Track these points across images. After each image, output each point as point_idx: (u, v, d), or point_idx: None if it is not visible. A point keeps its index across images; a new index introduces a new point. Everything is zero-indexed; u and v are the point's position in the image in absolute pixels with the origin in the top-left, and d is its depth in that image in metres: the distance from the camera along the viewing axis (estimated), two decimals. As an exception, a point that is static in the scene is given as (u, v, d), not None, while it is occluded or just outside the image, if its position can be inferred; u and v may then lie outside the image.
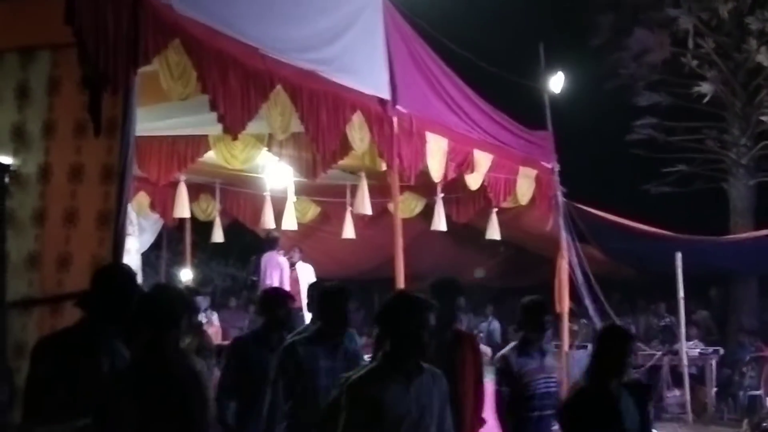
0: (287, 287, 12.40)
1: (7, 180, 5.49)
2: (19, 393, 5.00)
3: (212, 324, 15.63)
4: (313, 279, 12.67)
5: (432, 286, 6.53)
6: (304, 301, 12.42)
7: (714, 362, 15.20)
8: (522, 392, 6.95)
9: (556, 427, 6.31)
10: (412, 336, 4.35)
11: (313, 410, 5.61)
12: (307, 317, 12.57)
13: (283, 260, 12.34)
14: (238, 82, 6.86)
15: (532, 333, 7.09)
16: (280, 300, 7.22)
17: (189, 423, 3.99)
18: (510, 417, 6.97)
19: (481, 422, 6.89)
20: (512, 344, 7.27)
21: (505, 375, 6.99)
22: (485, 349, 16.86)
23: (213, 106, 6.70)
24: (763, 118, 17.77)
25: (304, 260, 12.88)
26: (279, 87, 7.48)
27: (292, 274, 12.68)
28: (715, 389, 15.11)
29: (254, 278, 12.07)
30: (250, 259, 12.35)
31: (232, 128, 6.97)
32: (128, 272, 4.84)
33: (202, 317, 11.78)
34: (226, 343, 15.60)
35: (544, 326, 7.19)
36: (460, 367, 6.57)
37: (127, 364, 4.20)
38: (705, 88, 17.89)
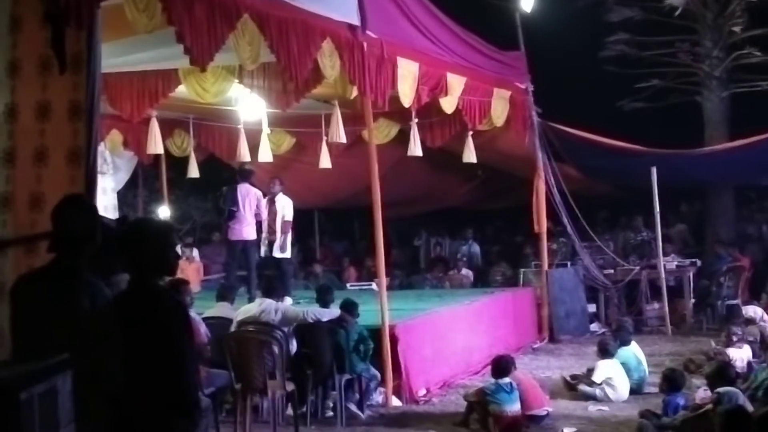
0: (264, 218, 12.35)
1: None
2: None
3: (193, 260, 15.63)
4: (292, 211, 12.59)
5: None
6: (283, 233, 12.61)
7: (691, 274, 15.38)
8: None
9: None
10: None
11: None
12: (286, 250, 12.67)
13: (259, 192, 12.33)
14: (203, 12, 6.78)
15: None
16: None
17: (173, 354, 3.99)
18: None
19: None
20: None
21: None
22: (467, 273, 17.05)
23: (179, 38, 6.64)
24: (735, 29, 17.68)
25: (284, 193, 12.76)
26: (246, 16, 7.41)
27: (272, 207, 12.58)
28: (693, 301, 15.31)
29: (233, 209, 11.99)
30: (222, 190, 12.25)
31: (200, 60, 6.91)
32: (84, 202, 4.70)
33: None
34: (207, 278, 15.70)
35: None
36: None
37: (110, 301, 4.15)
38: (676, 0, 17.76)
